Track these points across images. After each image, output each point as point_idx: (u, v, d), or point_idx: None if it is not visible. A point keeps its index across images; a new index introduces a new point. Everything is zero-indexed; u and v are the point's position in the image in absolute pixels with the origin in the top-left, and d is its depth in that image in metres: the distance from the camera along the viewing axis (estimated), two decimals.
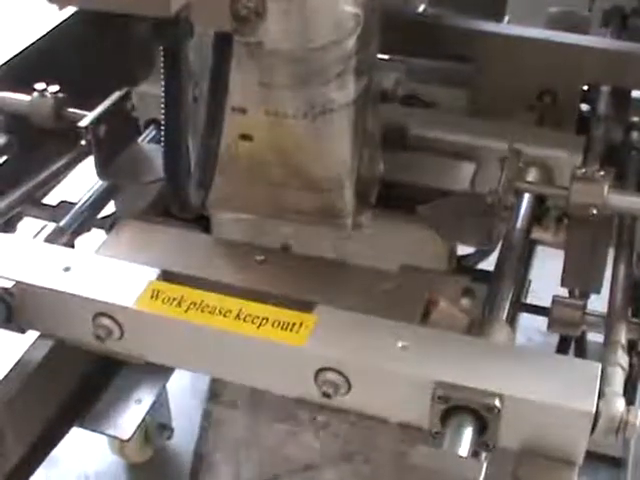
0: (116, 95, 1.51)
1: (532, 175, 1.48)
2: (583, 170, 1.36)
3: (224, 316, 1.27)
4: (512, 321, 1.42)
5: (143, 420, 1.86)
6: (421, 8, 1.94)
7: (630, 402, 1.29)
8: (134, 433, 1.81)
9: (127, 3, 0.96)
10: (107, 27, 1.66)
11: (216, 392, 1.52)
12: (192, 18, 1.08)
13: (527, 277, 1.61)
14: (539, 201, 1.50)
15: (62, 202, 1.60)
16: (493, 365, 1.20)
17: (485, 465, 1.10)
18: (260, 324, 1.25)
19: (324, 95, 1.27)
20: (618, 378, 1.24)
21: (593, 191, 1.34)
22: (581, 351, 1.92)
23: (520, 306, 1.55)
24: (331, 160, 1.33)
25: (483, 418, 1.16)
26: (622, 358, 1.27)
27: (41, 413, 1.49)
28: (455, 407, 1.17)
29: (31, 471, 1.51)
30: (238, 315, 1.26)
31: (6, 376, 1.38)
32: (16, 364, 1.39)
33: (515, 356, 1.23)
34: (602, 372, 1.22)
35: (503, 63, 1.66)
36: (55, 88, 1.56)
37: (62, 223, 1.48)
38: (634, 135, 1.70)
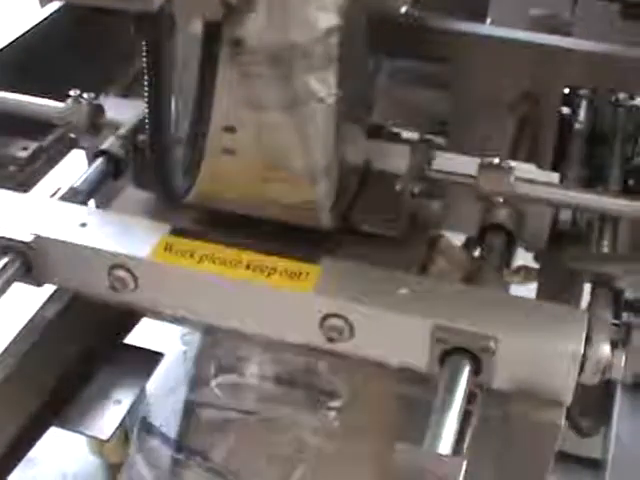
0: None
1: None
2: (490, 159, 1.42)
3: (235, 267, 1.34)
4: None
5: (122, 420, 1.87)
6: (403, 9, 1.97)
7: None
8: (113, 433, 1.81)
9: None
10: (93, 23, 1.70)
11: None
12: (180, 7, 1.11)
13: None
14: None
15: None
16: (488, 310, 1.28)
17: (465, 462, 1.15)
18: (269, 274, 1.33)
19: (306, 87, 1.30)
20: (605, 326, 1.31)
21: (500, 179, 1.40)
22: None
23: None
24: (312, 153, 1.36)
25: (479, 359, 1.24)
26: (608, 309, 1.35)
27: (17, 414, 1.56)
28: (453, 349, 1.25)
29: (8, 471, 1.57)
30: (248, 266, 1.34)
31: None
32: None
33: (509, 302, 1.31)
34: (589, 320, 1.31)
35: (484, 65, 1.70)
36: (91, 95, 1.58)
37: (76, 184, 1.54)
38: (617, 137, 1.74)
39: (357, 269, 1.35)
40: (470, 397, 1.26)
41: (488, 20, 2.00)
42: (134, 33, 1.06)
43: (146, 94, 1.14)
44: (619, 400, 1.52)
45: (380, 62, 1.88)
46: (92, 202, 1.59)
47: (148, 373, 1.85)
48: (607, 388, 1.50)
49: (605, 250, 1.46)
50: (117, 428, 1.82)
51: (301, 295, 1.31)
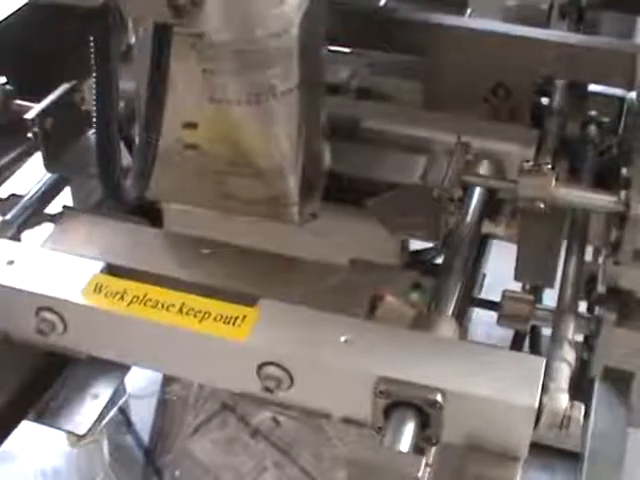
0: (64, 87, 1.50)
1: (483, 168, 1.47)
2: (531, 164, 1.35)
3: (166, 310, 1.25)
4: (461, 316, 1.42)
5: (100, 416, 1.85)
6: (383, 1, 1.92)
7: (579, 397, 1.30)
8: (90, 428, 1.80)
9: None
10: (63, 17, 1.64)
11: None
12: (128, 8, 1.08)
13: (480, 271, 1.60)
14: (490, 195, 1.49)
15: (11, 195, 1.58)
16: (436, 360, 1.18)
17: (424, 461, 1.09)
18: (202, 318, 1.24)
19: (267, 81, 1.26)
20: (563, 373, 1.22)
21: (540, 185, 1.33)
22: (535, 345, 1.91)
23: (471, 301, 1.54)
24: (275, 147, 1.32)
25: (426, 413, 1.15)
26: (568, 353, 1.26)
27: None
28: (397, 402, 1.16)
29: None
30: (180, 309, 1.25)
31: None
32: None
33: (458, 351, 1.22)
34: (547, 367, 1.22)
35: (457, 56, 1.64)
36: (2, 80, 1.54)
37: (8, 216, 1.46)
38: (591, 129, 1.69)
39: (297, 312, 1.26)
40: (419, 452, 1.18)
41: (468, 11, 1.93)
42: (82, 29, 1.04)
43: (94, 91, 1.10)
44: (597, 393, 1.46)
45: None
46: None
47: (127, 367, 1.80)
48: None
49: None
50: (94, 423, 1.81)
51: (236, 342, 1.22)
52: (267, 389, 1.21)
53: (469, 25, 1.68)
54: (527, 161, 1.36)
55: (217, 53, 1.22)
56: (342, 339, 1.20)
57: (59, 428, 1.86)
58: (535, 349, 1.90)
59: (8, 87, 1.54)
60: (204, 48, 1.22)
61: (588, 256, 1.56)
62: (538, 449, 1.28)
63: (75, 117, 1.50)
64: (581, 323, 1.38)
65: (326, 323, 1.24)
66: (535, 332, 1.89)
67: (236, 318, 1.24)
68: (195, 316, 1.24)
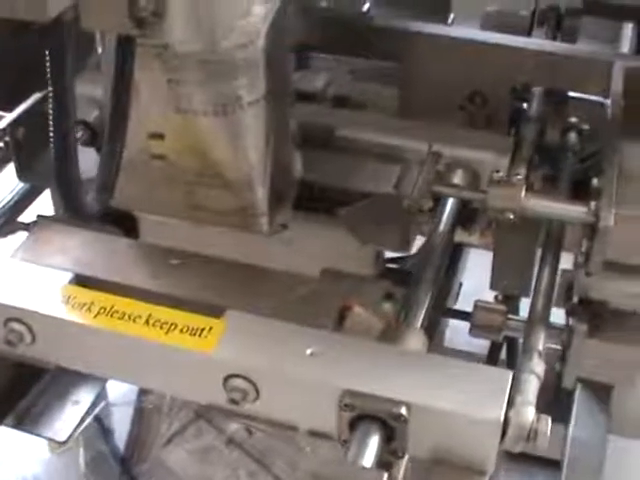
0: (35, 97, 1.49)
1: (458, 177, 1.46)
2: (501, 174, 1.34)
3: (133, 322, 1.25)
4: (433, 326, 1.41)
5: (81, 421, 1.84)
6: (365, 7, 1.91)
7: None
8: (71, 435, 1.79)
9: (4, 7, 0.95)
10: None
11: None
12: (88, 21, 1.07)
13: (455, 280, 1.60)
14: (464, 203, 1.48)
15: None
16: (401, 373, 1.18)
17: (386, 476, 1.09)
18: (168, 330, 1.23)
19: (233, 92, 1.25)
20: (531, 386, 1.21)
21: (509, 195, 1.32)
22: (512, 356, 1.90)
23: (444, 311, 1.53)
24: (243, 158, 1.31)
25: (391, 426, 1.15)
26: (537, 365, 1.25)
27: None
28: (362, 415, 1.15)
29: None
30: (147, 321, 1.24)
31: None
32: None
33: (425, 364, 1.21)
34: (515, 379, 1.21)
35: (433, 63, 1.63)
36: None
37: None
38: (571, 136, 1.68)
39: (264, 324, 1.25)
40: (385, 465, 1.18)
41: (451, 16, 1.92)
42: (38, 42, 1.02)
43: (50, 105, 1.08)
44: (577, 400, 1.45)
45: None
46: None
47: None
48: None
49: None
50: (75, 429, 1.79)
51: (202, 354, 1.21)
52: (233, 401, 1.21)
53: (446, 33, 1.67)
54: (497, 171, 1.35)
55: (182, 64, 1.22)
56: (308, 351, 1.20)
57: (39, 435, 1.85)
58: (512, 360, 1.89)
59: None
60: (169, 58, 1.21)
61: (569, 265, 1.55)
62: (517, 457, 1.27)
63: (47, 126, 1.50)
64: (553, 334, 1.37)
65: (292, 335, 1.23)
66: (512, 342, 1.88)
67: (202, 329, 1.23)
68: (161, 327, 1.24)
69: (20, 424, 1.79)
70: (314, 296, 1.35)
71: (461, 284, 1.70)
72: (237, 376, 1.19)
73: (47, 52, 1.02)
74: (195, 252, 1.42)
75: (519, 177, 1.33)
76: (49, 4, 0.93)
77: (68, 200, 1.15)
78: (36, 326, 1.28)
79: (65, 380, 1.80)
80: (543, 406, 1.66)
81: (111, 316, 1.26)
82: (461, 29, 1.69)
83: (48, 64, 1.03)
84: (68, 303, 1.28)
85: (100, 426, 2.29)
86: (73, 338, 1.28)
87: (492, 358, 1.80)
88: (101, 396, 1.97)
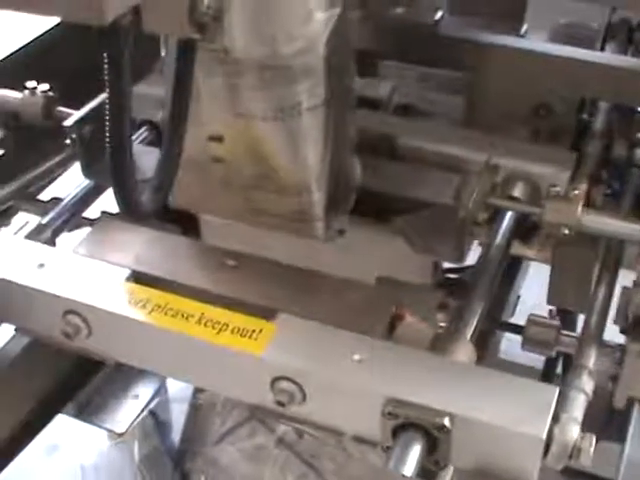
0: (103, 95, 1.52)
1: (518, 190, 1.46)
2: (558, 189, 1.34)
3: (186, 320, 1.27)
4: (486, 339, 1.41)
5: (139, 415, 1.88)
6: (439, 15, 1.92)
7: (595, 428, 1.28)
8: (129, 427, 1.83)
9: (62, 10, 0.97)
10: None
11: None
12: (149, 24, 1.09)
13: (510, 294, 1.59)
14: (523, 217, 1.47)
15: (53, 198, 1.62)
16: (447, 383, 1.18)
17: None
18: (220, 330, 1.25)
19: (293, 97, 1.26)
20: (578, 403, 1.21)
21: (566, 210, 1.32)
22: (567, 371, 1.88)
23: (498, 324, 1.53)
24: (300, 163, 1.32)
25: (433, 436, 1.15)
26: (586, 383, 1.25)
27: (25, 399, 1.51)
28: (405, 424, 1.16)
29: (13, 454, 1.52)
30: (199, 320, 1.27)
31: None
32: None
33: (471, 375, 1.21)
34: (562, 396, 1.21)
35: (499, 75, 1.63)
36: (45, 87, 1.57)
37: (45, 220, 1.50)
38: (638, 152, 1.66)
39: (314, 329, 1.26)
40: (427, 475, 1.18)
41: (524, 26, 1.92)
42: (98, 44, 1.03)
43: (108, 108, 1.10)
44: (634, 420, 1.43)
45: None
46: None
47: None
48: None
49: None
50: (133, 422, 1.83)
51: (251, 355, 1.23)
52: (279, 403, 1.22)
53: (513, 44, 1.67)
54: (554, 186, 1.34)
55: (242, 69, 1.24)
56: (355, 358, 1.20)
57: (98, 425, 1.89)
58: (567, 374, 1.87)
59: (51, 94, 1.57)
60: (229, 63, 1.23)
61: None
62: (573, 474, 1.27)
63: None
64: (606, 352, 1.36)
65: (341, 341, 1.24)
66: (569, 357, 1.86)
67: (253, 331, 1.25)
68: (213, 327, 1.26)
69: (81, 414, 1.83)
70: (366, 303, 1.36)
71: (519, 297, 1.70)
72: (284, 378, 1.21)
73: (105, 55, 1.04)
74: (252, 254, 1.44)
75: (576, 192, 1.33)
76: (106, 8, 0.94)
77: (123, 199, 1.17)
78: (93, 320, 1.31)
79: (126, 374, 1.83)
80: (598, 424, 1.66)
81: (165, 314, 1.28)
82: (529, 41, 1.69)
83: (105, 68, 1.05)
84: (125, 299, 1.31)
85: (156, 421, 2.33)
86: (128, 333, 1.31)
87: (547, 372, 1.79)
88: (160, 391, 2.00)
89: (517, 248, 1.48)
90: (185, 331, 1.26)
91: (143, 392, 1.99)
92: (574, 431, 1.16)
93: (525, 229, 1.50)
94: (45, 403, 1.53)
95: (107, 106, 1.07)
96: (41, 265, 1.37)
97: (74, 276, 1.35)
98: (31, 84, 1.57)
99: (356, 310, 1.35)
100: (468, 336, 1.30)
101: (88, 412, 1.88)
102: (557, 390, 1.18)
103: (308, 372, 1.20)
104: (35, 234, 1.48)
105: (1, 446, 1.46)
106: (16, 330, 1.44)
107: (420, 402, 1.15)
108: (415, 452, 1.14)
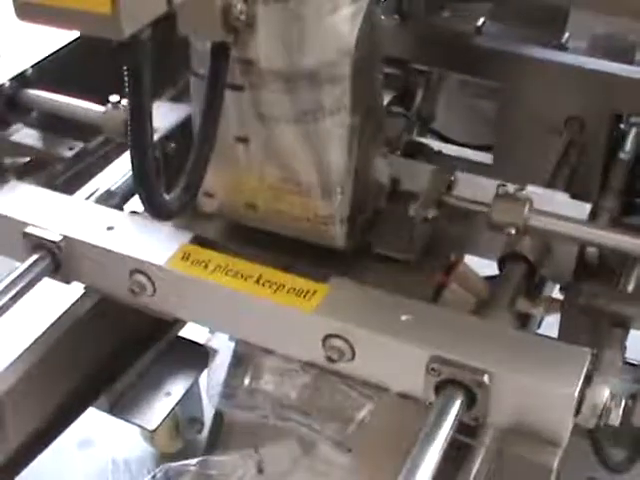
0: (187, 111, 1.58)
1: None
2: (506, 188, 1.38)
3: (245, 280, 1.36)
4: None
5: (171, 412, 1.88)
6: (480, 21, 1.97)
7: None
8: (160, 424, 1.83)
9: (82, 25, 1.02)
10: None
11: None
12: (184, 27, 1.16)
13: None
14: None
15: None
16: (487, 344, 1.26)
17: None
18: (277, 289, 1.34)
19: (316, 101, 1.32)
20: (611, 366, 1.28)
21: (513, 210, 1.37)
22: None
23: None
24: (323, 166, 1.37)
25: (473, 393, 1.23)
26: (618, 351, 1.31)
27: (55, 392, 1.57)
28: (447, 380, 1.24)
29: (41, 448, 1.59)
30: (258, 280, 1.36)
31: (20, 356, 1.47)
32: (33, 343, 1.48)
33: (510, 338, 1.29)
34: (598, 358, 1.28)
35: (534, 86, 1.68)
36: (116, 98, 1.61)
37: (113, 187, 1.59)
38: None
39: (364, 292, 1.35)
40: (465, 430, 1.26)
41: (566, 35, 1.96)
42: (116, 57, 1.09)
43: (129, 117, 1.16)
44: None
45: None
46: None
47: (201, 368, 1.86)
48: None
49: (630, 289, 1.43)
50: (164, 419, 1.85)
51: (303, 314, 1.32)
52: (330, 359, 1.31)
53: (547, 57, 1.72)
54: (504, 185, 1.39)
55: (267, 76, 1.29)
56: (403, 318, 1.29)
57: (130, 422, 1.90)
58: None
59: None
60: (255, 70, 1.29)
61: None
62: None
63: None
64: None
65: (390, 302, 1.33)
66: None
67: (308, 291, 1.33)
68: (270, 287, 1.34)
69: (113, 409, 1.84)
70: (416, 269, 1.44)
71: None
72: (335, 336, 1.29)
73: (124, 69, 1.10)
74: None
75: (524, 192, 1.37)
76: (123, 24, 0.99)
77: (147, 201, 1.24)
78: (157, 279, 1.41)
79: (159, 371, 1.86)
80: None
81: (225, 274, 1.37)
82: (563, 54, 1.74)
83: (126, 80, 1.11)
84: (187, 260, 1.40)
85: (194, 417, 2.42)
86: (190, 292, 1.40)
87: None
88: (192, 389, 2.04)
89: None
90: (244, 290, 1.35)
91: (175, 390, 1.97)
92: (605, 392, 1.22)
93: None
94: (77, 396, 1.62)
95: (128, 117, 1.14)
96: (110, 227, 1.46)
97: (141, 238, 1.45)
98: (114, 98, 1.60)
99: (406, 275, 1.43)
100: (505, 304, 1.38)
101: (120, 408, 1.87)
102: (589, 353, 1.25)
103: (357, 330, 1.29)
104: (105, 199, 1.57)
105: (34, 436, 1.54)
106: (85, 289, 1.53)
107: (461, 360, 1.23)
108: (455, 407, 1.21)
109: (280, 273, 1.36)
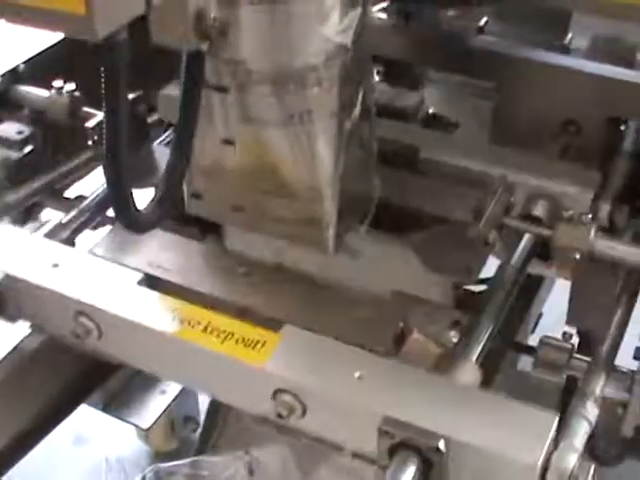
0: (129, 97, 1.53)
1: (539, 209, 1.44)
2: (570, 212, 1.32)
3: (192, 327, 1.28)
4: (497, 358, 1.40)
5: (165, 411, 1.88)
6: (483, 21, 1.90)
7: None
8: (154, 423, 1.83)
9: (59, 26, 1.00)
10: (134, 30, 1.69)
11: None
12: (157, 36, 1.10)
13: (529, 312, 1.57)
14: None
15: (79, 196, 1.63)
16: (445, 406, 1.17)
17: None
18: (225, 339, 1.26)
19: (303, 105, 1.26)
20: (580, 431, 1.19)
21: (578, 235, 1.30)
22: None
23: (511, 344, 1.51)
24: (311, 169, 1.32)
25: (429, 458, 1.14)
26: (591, 411, 1.23)
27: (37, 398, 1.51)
28: (402, 444, 1.15)
29: (33, 444, 1.53)
30: (206, 328, 1.27)
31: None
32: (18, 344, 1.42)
33: (471, 399, 1.20)
34: (565, 423, 1.19)
35: (530, 89, 1.61)
36: (72, 86, 1.58)
37: (65, 219, 1.51)
38: None
39: (318, 342, 1.26)
40: None
41: (569, 35, 1.89)
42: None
43: (104, 121, 1.12)
44: None
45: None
46: None
47: None
48: None
49: None
50: (158, 418, 1.87)
51: (252, 367, 1.23)
52: (279, 415, 1.22)
53: (544, 59, 1.65)
54: (567, 210, 1.33)
55: (254, 78, 1.24)
56: (356, 375, 1.20)
57: (124, 420, 1.90)
58: None
59: (77, 94, 1.59)
60: (241, 74, 1.24)
61: None
62: None
63: (137, 128, 1.54)
64: (617, 378, 1.33)
65: (344, 356, 1.24)
66: None
67: (257, 342, 1.25)
68: (218, 336, 1.26)
69: (108, 408, 1.84)
70: (375, 317, 1.36)
71: (541, 314, 1.67)
72: (285, 391, 1.21)
73: (101, 70, 1.05)
74: (265, 262, 1.45)
75: (589, 216, 1.30)
76: (98, 26, 0.96)
77: (121, 213, 1.18)
78: (103, 322, 1.32)
79: None
80: (624, 443, 1.63)
81: (173, 320, 1.29)
82: (560, 57, 1.67)
83: (102, 82, 1.06)
84: (135, 303, 1.32)
85: (189, 416, 2.35)
86: (136, 338, 1.32)
87: (568, 389, 1.76)
88: (187, 389, 2.00)
89: (536, 266, 1.46)
90: (190, 339, 1.27)
91: (170, 388, 2.00)
92: (571, 460, 1.14)
93: (546, 246, 1.47)
94: (68, 394, 1.55)
95: (104, 120, 1.08)
96: (55, 265, 1.38)
97: (87, 277, 1.37)
98: (58, 83, 1.59)
99: (364, 325, 1.35)
100: (474, 357, 1.28)
101: (115, 406, 1.89)
102: (556, 417, 1.16)
103: (308, 387, 1.20)
104: (54, 233, 1.49)
105: (24, 435, 1.48)
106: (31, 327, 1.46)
107: (416, 423, 1.14)
108: (410, 473, 1.13)
109: (229, 320, 1.28)
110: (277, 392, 1.21)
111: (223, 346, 1.25)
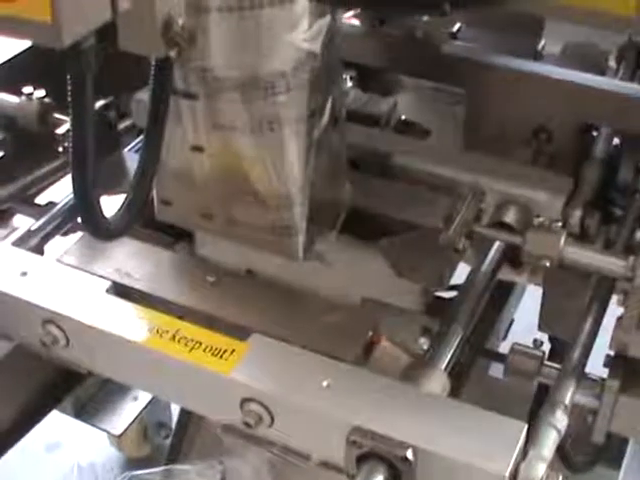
0: (97, 104, 1.52)
1: (510, 216, 1.43)
2: (541, 219, 1.31)
3: (160, 336, 1.27)
4: (466, 366, 1.40)
5: (137, 417, 1.87)
6: (456, 27, 1.90)
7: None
8: (126, 429, 1.82)
9: (25, 33, 0.99)
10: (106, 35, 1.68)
11: None
12: (125, 44, 1.10)
13: (500, 319, 1.57)
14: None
15: (50, 203, 1.62)
16: (413, 415, 1.16)
17: None
18: (192, 348, 1.25)
19: (272, 111, 1.26)
20: (548, 440, 1.18)
21: (548, 242, 1.29)
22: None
23: (481, 351, 1.50)
24: (280, 176, 1.32)
25: (397, 468, 1.14)
26: (560, 420, 1.22)
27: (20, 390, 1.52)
28: (369, 453, 1.14)
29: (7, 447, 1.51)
30: (174, 336, 1.26)
31: None
32: None
33: (439, 407, 1.19)
34: (533, 431, 1.18)
35: (500, 95, 1.61)
36: (42, 93, 1.57)
37: (34, 227, 1.50)
38: None
39: (286, 351, 1.25)
40: None
41: (542, 41, 1.89)
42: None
43: (71, 129, 1.11)
44: (629, 451, 1.41)
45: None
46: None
47: None
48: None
49: None
50: (131, 424, 1.85)
51: (219, 375, 1.22)
52: (247, 424, 1.21)
53: (515, 66, 1.64)
54: (538, 216, 1.32)
55: (222, 85, 1.24)
56: (324, 383, 1.19)
57: (96, 426, 1.89)
58: None
59: (47, 100, 1.57)
60: (209, 80, 1.24)
61: None
62: None
63: (107, 134, 1.53)
64: (587, 385, 1.33)
65: (311, 365, 1.23)
66: None
67: (225, 351, 1.24)
68: (186, 345, 1.25)
69: (80, 414, 1.83)
70: (344, 325, 1.35)
71: (512, 320, 1.67)
72: (253, 400, 1.20)
73: (68, 77, 1.05)
74: (235, 271, 1.44)
75: (559, 224, 1.30)
76: (63, 33, 0.95)
77: (88, 221, 1.18)
78: (70, 331, 1.31)
79: None
80: (595, 450, 1.64)
81: (140, 328, 1.28)
82: (530, 63, 1.67)
83: (69, 89, 1.05)
84: (103, 312, 1.31)
85: (161, 422, 2.35)
86: (103, 346, 1.31)
87: (539, 395, 1.76)
88: None
89: (506, 273, 1.45)
90: (158, 347, 1.26)
91: (142, 394, 1.99)
92: (540, 469, 1.13)
93: (517, 252, 1.47)
94: (40, 400, 1.54)
95: (70, 127, 1.08)
96: (23, 273, 1.37)
97: (55, 286, 1.36)
98: (27, 89, 1.58)
99: (332, 332, 1.34)
100: (443, 365, 1.28)
101: (87, 413, 1.88)
102: (525, 427, 1.15)
103: (275, 396, 1.20)
104: (23, 240, 1.48)
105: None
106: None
107: (383, 432, 1.13)
108: None
109: (197, 329, 1.27)
110: (245, 401, 1.20)
111: (191, 355, 1.24)
